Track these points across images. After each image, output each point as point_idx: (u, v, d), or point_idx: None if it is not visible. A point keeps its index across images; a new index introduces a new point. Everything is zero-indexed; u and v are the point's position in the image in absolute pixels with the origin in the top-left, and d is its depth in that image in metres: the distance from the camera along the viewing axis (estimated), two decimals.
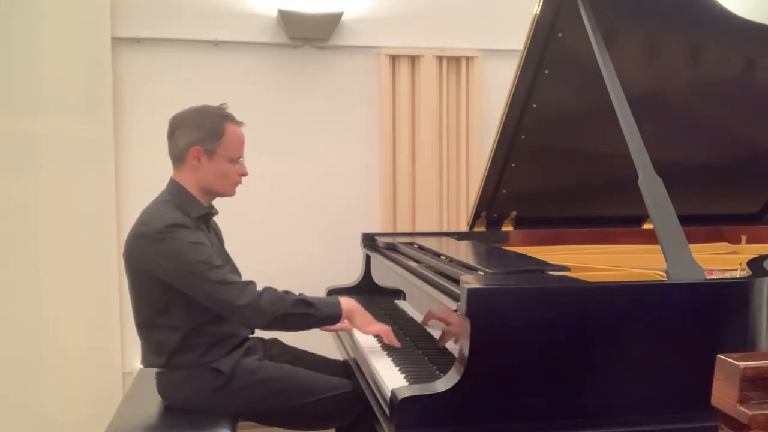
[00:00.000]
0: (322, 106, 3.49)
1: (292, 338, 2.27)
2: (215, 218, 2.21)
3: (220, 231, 2.25)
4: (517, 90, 2.50)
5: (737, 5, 2.38)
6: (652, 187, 1.86)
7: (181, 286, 1.93)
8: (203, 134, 2.02)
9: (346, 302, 2.05)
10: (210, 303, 1.93)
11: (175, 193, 2.05)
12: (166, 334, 1.99)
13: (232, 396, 2.00)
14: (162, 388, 2.06)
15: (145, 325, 2.03)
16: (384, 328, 2.05)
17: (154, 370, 2.09)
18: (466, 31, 3.55)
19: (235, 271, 2.16)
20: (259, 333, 2.22)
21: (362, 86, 3.51)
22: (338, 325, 2.05)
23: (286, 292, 1.98)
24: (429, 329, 2.09)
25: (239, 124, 2.10)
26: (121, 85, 3.25)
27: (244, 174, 2.11)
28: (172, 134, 2.05)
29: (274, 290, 1.96)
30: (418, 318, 2.21)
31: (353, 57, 3.50)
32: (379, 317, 2.43)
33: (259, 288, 1.99)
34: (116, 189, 3.23)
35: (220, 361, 2.00)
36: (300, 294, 1.99)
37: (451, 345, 1.88)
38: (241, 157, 2.09)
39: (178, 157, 2.05)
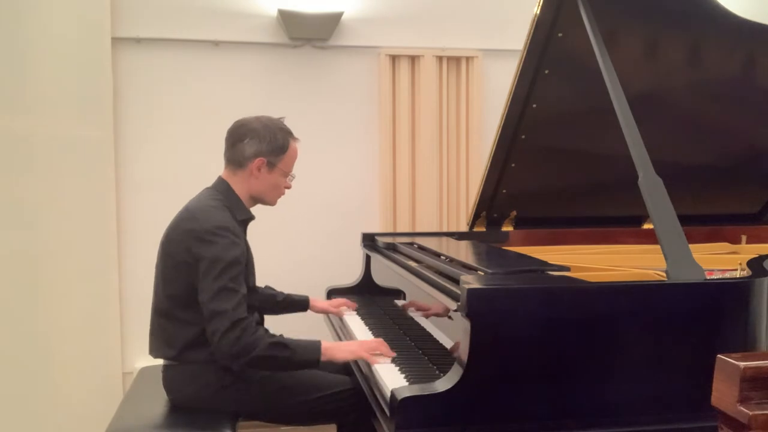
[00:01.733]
0: (322, 106, 3.49)
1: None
2: None
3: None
4: (517, 90, 2.50)
5: (737, 5, 2.38)
6: (652, 187, 1.86)
7: (196, 284, 1.94)
8: (272, 148, 2.10)
9: (325, 346, 1.98)
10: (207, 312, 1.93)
11: (225, 193, 2.11)
12: (182, 328, 2.01)
13: (236, 394, 2.01)
14: (168, 383, 2.07)
15: (164, 313, 2.05)
16: (371, 346, 1.99)
17: (158, 368, 2.10)
18: (466, 31, 3.55)
19: (252, 272, 2.19)
20: None
21: (362, 86, 3.51)
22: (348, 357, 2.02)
23: (272, 335, 1.93)
24: (428, 329, 2.09)
25: (296, 140, 2.18)
26: (121, 85, 3.26)
27: (289, 188, 2.20)
28: (239, 140, 2.09)
29: (257, 330, 1.91)
30: (418, 318, 2.21)
31: (353, 57, 3.50)
32: (379, 317, 2.44)
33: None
34: (116, 189, 3.23)
35: None
36: (280, 335, 1.96)
37: (451, 345, 1.88)
38: (292, 172, 2.18)
39: (239, 162, 2.10)
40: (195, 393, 2.01)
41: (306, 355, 1.94)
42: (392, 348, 1.99)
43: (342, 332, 2.43)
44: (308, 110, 3.46)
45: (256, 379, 2.01)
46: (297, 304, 2.55)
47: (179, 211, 2.09)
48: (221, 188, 2.12)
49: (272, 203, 2.20)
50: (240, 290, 1.93)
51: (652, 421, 1.63)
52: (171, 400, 2.07)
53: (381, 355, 1.94)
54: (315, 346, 1.96)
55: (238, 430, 2.04)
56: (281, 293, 2.52)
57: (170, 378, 2.06)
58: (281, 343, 1.92)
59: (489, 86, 3.55)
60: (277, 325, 2.42)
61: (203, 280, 1.92)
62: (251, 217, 2.18)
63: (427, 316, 2.04)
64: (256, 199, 2.17)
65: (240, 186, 2.12)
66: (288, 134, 2.14)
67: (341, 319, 2.52)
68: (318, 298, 2.65)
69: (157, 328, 2.08)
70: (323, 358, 1.95)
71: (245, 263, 2.04)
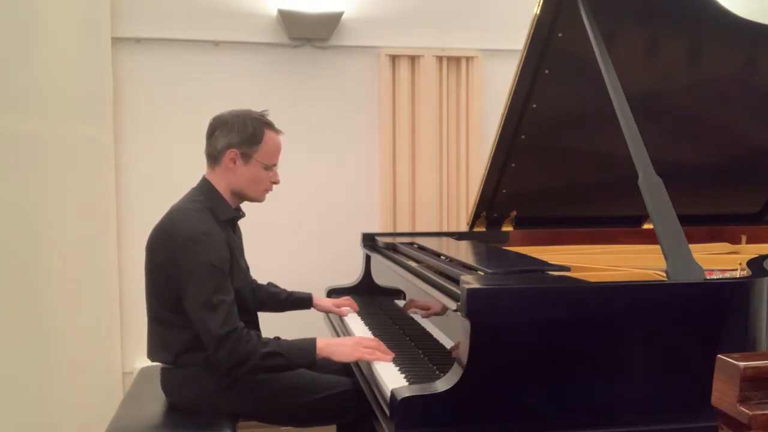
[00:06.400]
0: (322, 106, 3.49)
1: (292, 337, 2.27)
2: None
3: (240, 231, 2.24)
4: (517, 90, 2.50)
5: (737, 5, 2.38)
6: (652, 187, 1.86)
7: (182, 296, 1.93)
8: (242, 138, 2.03)
9: (321, 344, 1.95)
10: (196, 328, 1.93)
11: (207, 193, 2.06)
12: (176, 332, 1.99)
13: (235, 396, 2.01)
14: (166, 386, 2.07)
15: (157, 319, 2.04)
16: (371, 345, 1.96)
17: (158, 368, 2.09)
18: (466, 31, 3.55)
19: (247, 271, 2.20)
20: None
21: (362, 86, 3.52)
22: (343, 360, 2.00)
23: (266, 342, 1.91)
24: (428, 329, 2.09)
25: (278, 132, 2.12)
26: (121, 85, 3.26)
27: (277, 182, 2.13)
28: (211, 134, 2.06)
29: (250, 340, 1.88)
30: (419, 318, 2.21)
31: (353, 57, 3.50)
32: (379, 317, 2.44)
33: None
34: (116, 189, 3.24)
35: None
36: (275, 340, 1.94)
37: (451, 345, 1.88)
38: (276, 165, 2.11)
39: (213, 157, 2.07)
40: (193, 396, 2.00)
41: (301, 359, 1.94)
42: (392, 348, 1.99)
43: (341, 331, 2.43)
44: (308, 110, 3.47)
45: (255, 381, 2.00)
46: (300, 302, 2.53)
47: (164, 215, 2.04)
48: (203, 188, 2.08)
49: (258, 199, 2.12)
50: (226, 299, 1.90)
51: (652, 421, 1.63)
52: (169, 402, 2.06)
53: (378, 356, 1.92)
54: (310, 349, 1.94)
55: (238, 430, 2.04)
56: (284, 291, 2.51)
57: (168, 381, 2.06)
58: (274, 353, 1.89)
59: (489, 86, 3.55)
60: (276, 321, 2.43)
61: (186, 290, 1.91)
62: (237, 216, 2.14)
63: (426, 316, 2.04)
64: (240, 195, 2.10)
65: (220, 182, 2.06)
66: (263, 124, 2.06)
67: (341, 319, 2.52)
68: (321, 297, 2.65)
69: (153, 332, 2.06)
70: (319, 355, 1.93)
71: (230, 266, 1.98)
